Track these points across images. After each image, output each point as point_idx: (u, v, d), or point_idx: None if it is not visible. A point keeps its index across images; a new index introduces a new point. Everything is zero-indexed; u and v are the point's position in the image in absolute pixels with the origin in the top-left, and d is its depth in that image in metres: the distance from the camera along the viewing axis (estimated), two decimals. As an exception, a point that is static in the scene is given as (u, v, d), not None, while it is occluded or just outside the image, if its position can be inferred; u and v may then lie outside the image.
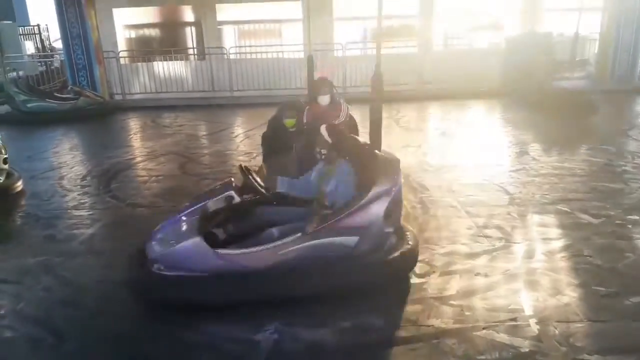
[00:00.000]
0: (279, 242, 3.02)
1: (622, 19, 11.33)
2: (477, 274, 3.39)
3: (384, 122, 8.81)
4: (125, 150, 7.51)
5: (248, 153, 7.18)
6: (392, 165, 3.32)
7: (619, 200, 4.64)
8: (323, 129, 3.79)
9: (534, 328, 2.77)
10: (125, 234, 4.28)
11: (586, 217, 4.24)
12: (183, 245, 2.99)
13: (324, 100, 4.58)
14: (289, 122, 4.71)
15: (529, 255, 3.63)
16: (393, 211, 3.20)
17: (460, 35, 13.46)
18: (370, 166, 3.29)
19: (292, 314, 2.97)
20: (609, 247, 3.70)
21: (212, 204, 3.28)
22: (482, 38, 13.38)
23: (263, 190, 3.37)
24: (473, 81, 11.71)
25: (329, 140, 3.65)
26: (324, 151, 3.58)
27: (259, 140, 7.93)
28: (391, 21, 13.52)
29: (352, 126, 4.88)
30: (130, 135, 9.13)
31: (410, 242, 3.34)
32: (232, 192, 3.27)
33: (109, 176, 6.07)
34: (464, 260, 3.60)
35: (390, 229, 3.24)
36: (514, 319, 2.86)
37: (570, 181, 5.21)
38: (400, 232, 3.41)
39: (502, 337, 2.71)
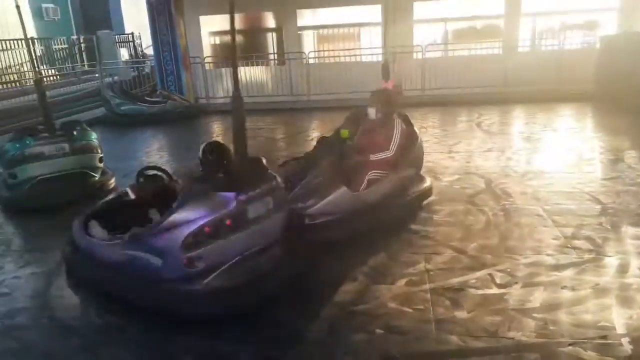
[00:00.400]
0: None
1: None
2: (564, 287, 3.18)
3: (465, 126, 8.62)
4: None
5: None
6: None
7: None
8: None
9: (627, 348, 2.55)
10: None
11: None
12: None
13: (371, 113, 4.49)
14: (344, 132, 4.56)
15: (623, 269, 3.35)
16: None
17: (550, 36, 12.73)
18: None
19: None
20: None
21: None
22: (574, 38, 12.56)
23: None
24: (562, 84, 11.04)
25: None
26: None
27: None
28: (474, 22, 13.12)
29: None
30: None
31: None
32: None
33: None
34: (549, 272, 3.39)
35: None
36: (604, 337, 2.65)
37: (673, 191, 4.76)
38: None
39: (591, 356, 2.52)
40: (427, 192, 4.75)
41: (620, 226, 4.04)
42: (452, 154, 6.64)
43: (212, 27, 14.35)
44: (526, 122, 8.66)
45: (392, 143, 4.32)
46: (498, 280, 3.31)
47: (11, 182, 5.20)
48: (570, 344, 2.63)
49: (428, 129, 8.54)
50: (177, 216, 2.97)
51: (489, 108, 9.97)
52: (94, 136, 5.76)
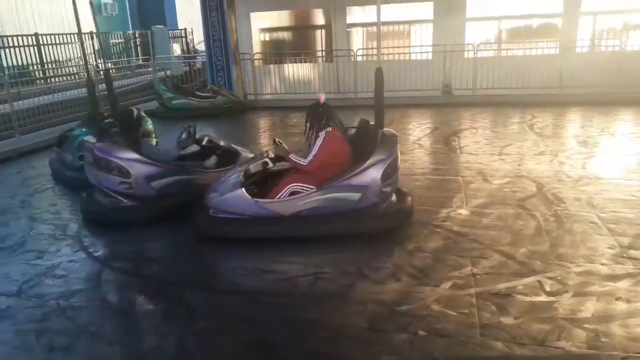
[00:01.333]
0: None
1: None
2: (618, 299, 3.05)
3: (516, 127, 8.36)
4: (254, 147, 7.95)
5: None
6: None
7: None
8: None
9: None
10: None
11: None
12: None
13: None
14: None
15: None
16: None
17: (611, 36, 12.15)
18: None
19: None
20: None
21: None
22: (637, 39, 11.94)
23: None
24: (623, 86, 10.52)
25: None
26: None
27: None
28: (530, 20, 12.69)
29: None
30: (260, 132, 9.66)
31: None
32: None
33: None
34: (602, 282, 3.25)
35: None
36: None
37: None
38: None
39: (646, 372, 2.41)
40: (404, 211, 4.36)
41: (683, 237, 3.82)
42: (503, 156, 6.46)
43: (262, 24, 14.54)
44: (582, 126, 8.29)
45: (310, 155, 4.11)
46: (547, 288, 3.21)
47: (79, 163, 5.52)
48: (623, 358, 2.52)
49: (478, 130, 8.35)
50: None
51: (543, 110, 9.63)
52: (149, 122, 6.16)
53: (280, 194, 4.11)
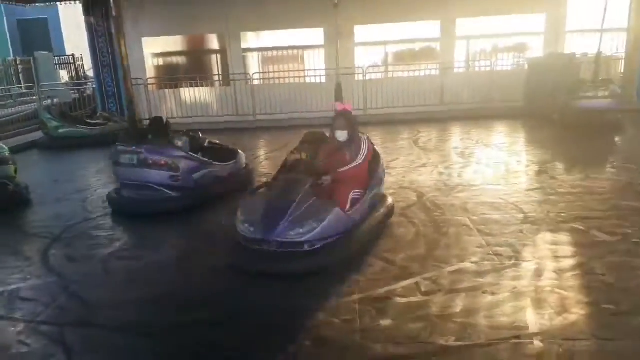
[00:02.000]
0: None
1: (648, 38, 11.13)
2: (484, 292, 3.33)
3: (403, 143, 8.90)
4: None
5: (267, 174, 7.27)
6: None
7: (638, 219, 4.50)
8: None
9: (537, 346, 2.70)
10: (142, 253, 4.40)
11: (602, 236, 4.13)
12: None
13: (341, 136, 4.35)
14: (303, 155, 4.52)
15: (539, 273, 3.55)
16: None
17: (483, 58, 13.43)
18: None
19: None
20: (623, 266, 3.58)
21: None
22: (505, 60, 13.32)
23: None
24: (496, 102, 11.66)
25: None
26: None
27: (278, 161, 8.09)
28: (413, 45, 13.64)
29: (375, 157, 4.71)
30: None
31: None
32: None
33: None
34: (471, 279, 3.54)
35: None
36: (518, 337, 2.79)
37: (588, 200, 5.09)
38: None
39: (503, 355, 2.65)
40: (392, 210, 4.76)
41: (539, 233, 4.28)
42: (390, 170, 6.80)
43: (155, 49, 14.23)
44: (461, 139, 9.04)
45: (360, 155, 4.30)
46: (423, 289, 3.43)
47: None
48: (486, 345, 2.75)
49: (369, 147, 8.74)
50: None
51: (428, 126, 10.34)
52: (5, 149, 6.26)
53: (348, 203, 4.08)
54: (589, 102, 8.80)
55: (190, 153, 5.70)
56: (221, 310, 3.34)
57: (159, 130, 5.84)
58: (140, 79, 12.91)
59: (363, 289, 3.48)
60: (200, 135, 6.27)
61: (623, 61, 12.03)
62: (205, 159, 5.83)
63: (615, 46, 12.95)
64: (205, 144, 6.26)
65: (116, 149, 5.63)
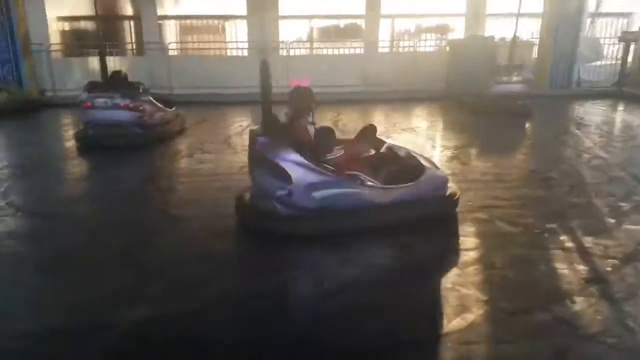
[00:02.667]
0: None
1: (559, 26, 11.55)
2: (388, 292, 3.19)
3: (323, 124, 8.67)
4: (40, 150, 6.97)
5: (171, 155, 6.82)
6: None
7: (540, 207, 4.56)
8: None
9: (431, 352, 2.58)
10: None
11: (504, 226, 4.13)
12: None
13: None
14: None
15: (441, 268, 3.46)
16: None
17: (407, 38, 13.44)
18: None
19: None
20: (522, 259, 3.57)
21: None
22: (428, 41, 13.41)
23: None
24: (418, 84, 11.71)
25: None
26: None
27: (188, 141, 7.63)
28: (338, 22, 13.39)
29: None
30: (51, 133, 8.56)
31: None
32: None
33: (13, 179, 5.58)
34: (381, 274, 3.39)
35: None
36: (415, 342, 2.66)
37: (495, 187, 5.12)
38: None
39: (397, 362, 2.51)
40: None
41: (446, 223, 4.22)
42: (305, 153, 6.59)
43: (60, 12, 12.97)
44: (378, 122, 8.96)
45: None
46: (328, 285, 3.24)
47: None
48: (383, 351, 2.60)
49: (288, 127, 8.45)
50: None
51: (350, 107, 10.20)
52: None
53: None
54: (503, 86, 9.00)
55: (151, 99, 7.25)
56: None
57: (120, 82, 7.28)
58: (42, 44, 11.73)
59: (259, 288, 3.23)
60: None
61: (537, 47, 12.48)
62: (160, 105, 7.45)
63: (531, 31, 13.42)
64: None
65: (88, 95, 6.94)
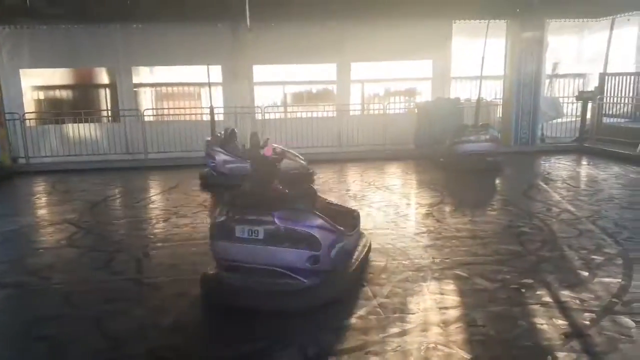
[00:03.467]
0: None
1: (521, 87, 12.20)
2: (367, 353, 3.15)
3: (298, 185, 8.78)
4: (11, 220, 6.81)
5: (146, 220, 6.74)
6: None
7: (516, 263, 4.64)
8: None
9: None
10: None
11: (483, 282, 4.17)
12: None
13: None
14: None
15: (423, 327, 3.45)
16: None
17: (376, 101, 13.97)
18: None
19: None
20: (502, 315, 3.60)
21: None
22: (397, 104, 13.95)
23: None
24: (388, 143, 12.08)
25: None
26: None
27: (163, 205, 7.59)
28: (310, 87, 13.86)
29: None
30: (24, 202, 8.40)
31: None
32: None
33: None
34: (356, 337, 3.35)
35: None
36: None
37: (471, 244, 5.20)
38: None
39: None
40: None
41: (425, 281, 4.24)
42: (283, 215, 6.62)
43: (36, 82, 13.09)
44: (354, 180, 9.13)
45: None
46: (309, 352, 3.18)
47: None
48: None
49: (264, 189, 8.51)
50: None
51: (325, 167, 10.35)
52: None
53: None
54: (470, 145, 9.33)
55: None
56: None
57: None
58: (17, 113, 11.73)
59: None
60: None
61: (500, 106, 13.08)
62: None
63: (495, 92, 14.11)
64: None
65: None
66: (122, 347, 3.30)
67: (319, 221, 3.75)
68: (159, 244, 5.62)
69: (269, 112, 12.58)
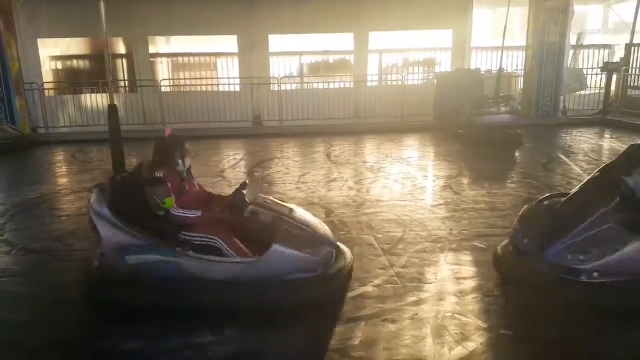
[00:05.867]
0: None
1: (543, 58, 11.88)
2: (384, 320, 3.17)
3: (316, 156, 8.78)
4: (33, 188, 6.94)
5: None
6: None
7: (535, 234, 4.60)
8: None
9: (434, 381, 2.57)
10: None
11: (501, 254, 4.15)
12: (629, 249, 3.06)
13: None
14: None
15: (440, 297, 3.46)
16: None
17: (394, 72, 13.75)
18: None
19: None
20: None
21: None
22: (415, 74, 13.72)
23: None
24: (406, 115, 11.93)
25: None
26: None
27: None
28: (327, 57, 13.69)
29: None
30: (45, 171, 8.53)
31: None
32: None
33: (6, 217, 5.54)
34: (373, 305, 3.38)
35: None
36: (415, 371, 2.65)
37: (489, 216, 5.16)
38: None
39: (400, 394, 2.49)
40: None
41: (442, 252, 4.23)
42: (300, 185, 6.65)
43: (53, 51, 13.14)
44: (370, 152, 9.06)
45: None
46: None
47: None
48: (382, 382, 2.57)
49: (281, 160, 8.55)
50: None
51: (342, 138, 10.31)
52: None
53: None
54: (490, 116, 9.17)
55: None
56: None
57: None
58: (35, 83, 11.83)
59: (258, 321, 3.20)
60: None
61: (522, 78, 12.78)
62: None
63: (516, 63, 13.78)
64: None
65: None
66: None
67: (107, 214, 3.32)
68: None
69: (284, 83, 12.47)
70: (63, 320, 3.34)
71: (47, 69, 13.04)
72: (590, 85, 12.97)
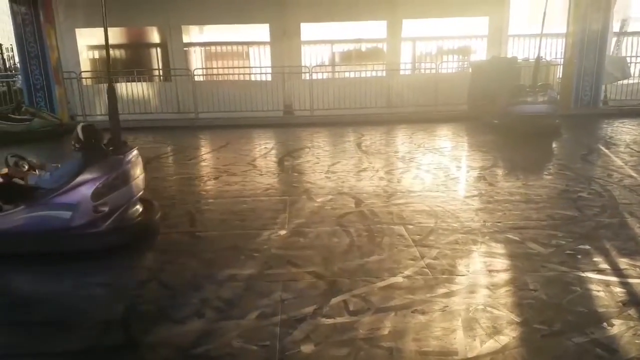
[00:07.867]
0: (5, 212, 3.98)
1: (584, 46, 11.45)
2: (414, 311, 3.13)
3: (346, 146, 8.74)
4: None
5: (198, 177, 6.91)
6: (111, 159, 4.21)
7: (572, 228, 4.45)
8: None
9: (467, 374, 2.52)
10: None
11: (536, 247, 4.04)
12: None
13: None
14: None
15: (472, 289, 3.39)
16: (104, 193, 4.06)
17: (428, 60, 13.51)
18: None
19: None
20: (555, 280, 3.48)
21: None
22: (449, 63, 13.45)
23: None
24: (440, 104, 11.71)
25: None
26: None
27: (213, 163, 7.76)
28: (359, 45, 13.54)
29: None
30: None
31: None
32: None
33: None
34: (403, 295, 3.33)
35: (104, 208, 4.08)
36: (445, 362, 2.61)
37: (524, 208, 5.03)
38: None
39: (428, 386, 2.45)
40: None
41: (475, 244, 4.15)
42: (329, 174, 6.62)
43: (90, 41, 13.44)
44: (402, 142, 8.95)
45: None
46: (351, 307, 3.20)
47: None
48: (411, 374, 2.54)
49: (312, 149, 8.54)
50: (82, 177, 4.00)
51: (372, 128, 10.23)
52: None
53: None
54: (527, 106, 8.92)
55: None
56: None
57: None
58: (73, 72, 12.15)
59: (287, 308, 3.21)
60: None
61: (561, 67, 12.36)
62: None
63: (555, 51, 13.34)
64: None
65: None
66: (178, 296, 3.43)
67: None
68: (210, 200, 5.76)
69: (316, 72, 12.41)
70: (94, 301, 3.43)
71: (85, 58, 13.36)
72: (634, 75, 12.44)
